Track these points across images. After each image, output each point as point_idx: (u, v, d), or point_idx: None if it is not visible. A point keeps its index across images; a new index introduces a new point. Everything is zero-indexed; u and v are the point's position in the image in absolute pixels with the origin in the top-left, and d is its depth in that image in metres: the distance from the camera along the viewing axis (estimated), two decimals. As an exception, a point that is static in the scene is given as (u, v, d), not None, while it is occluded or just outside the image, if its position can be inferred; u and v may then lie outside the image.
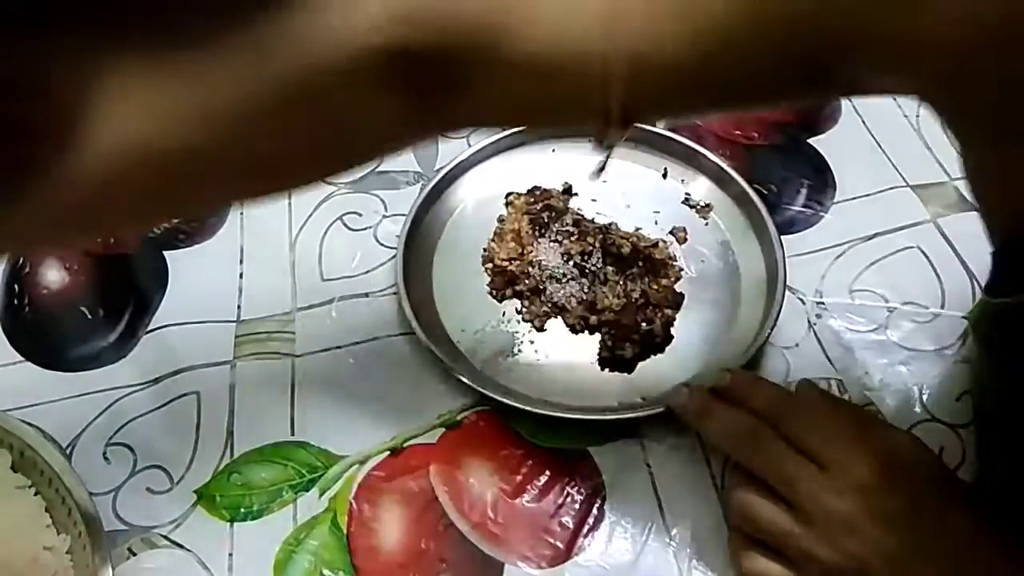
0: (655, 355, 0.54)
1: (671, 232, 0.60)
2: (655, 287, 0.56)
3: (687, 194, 0.62)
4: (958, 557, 0.40)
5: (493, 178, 0.63)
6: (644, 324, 0.55)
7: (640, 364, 0.54)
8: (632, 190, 0.63)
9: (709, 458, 0.51)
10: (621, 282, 0.57)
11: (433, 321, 0.56)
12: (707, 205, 0.61)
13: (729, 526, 0.48)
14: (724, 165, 0.61)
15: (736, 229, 0.60)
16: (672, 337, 0.55)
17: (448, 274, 0.59)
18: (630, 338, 0.54)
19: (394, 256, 0.59)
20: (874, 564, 0.40)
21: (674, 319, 0.56)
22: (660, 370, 0.54)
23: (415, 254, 0.58)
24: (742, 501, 0.44)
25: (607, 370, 0.54)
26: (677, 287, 0.57)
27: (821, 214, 0.61)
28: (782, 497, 0.43)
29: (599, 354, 0.55)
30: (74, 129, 0.19)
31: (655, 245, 0.59)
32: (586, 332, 0.56)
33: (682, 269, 0.58)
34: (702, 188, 0.62)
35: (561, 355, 0.55)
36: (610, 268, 0.57)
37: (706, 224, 0.61)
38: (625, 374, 0.54)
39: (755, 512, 0.43)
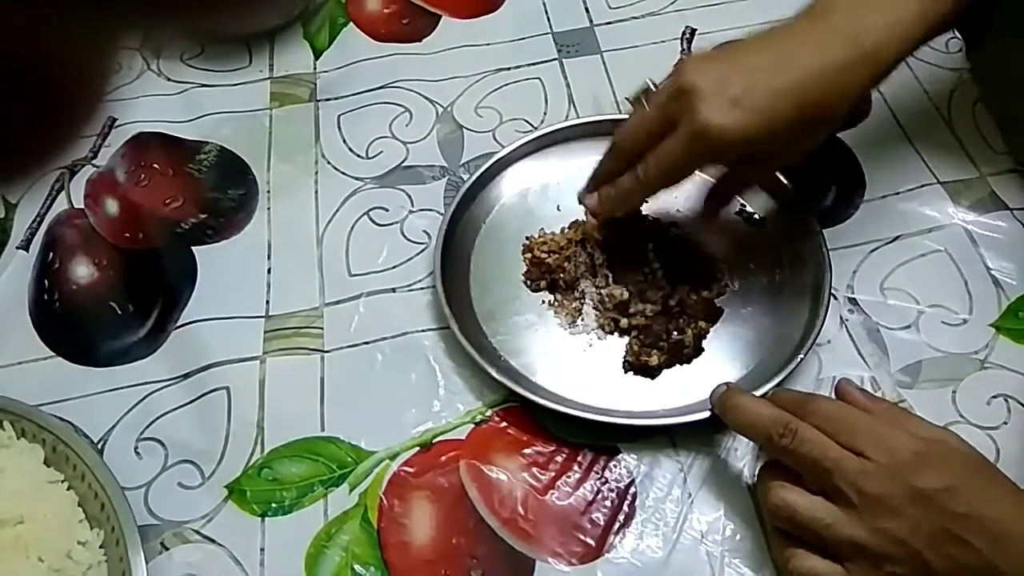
0: (681, 365, 0.53)
1: (720, 241, 0.59)
2: (694, 297, 0.54)
3: (741, 205, 0.60)
4: (997, 535, 0.40)
5: (549, 169, 0.63)
6: (675, 333, 0.53)
7: (665, 373, 0.53)
8: (687, 197, 0.60)
9: (740, 454, 0.50)
10: (660, 288, 0.55)
11: (465, 312, 0.56)
12: (762, 219, 0.60)
13: (765, 525, 0.47)
14: (781, 178, 0.59)
15: (786, 244, 0.58)
16: (703, 350, 0.54)
17: (486, 260, 0.59)
18: (658, 345, 0.53)
19: (420, 251, 0.60)
20: (921, 545, 0.40)
21: (707, 332, 0.54)
22: (684, 381, 0.53)
23: (453, 244, 0.58)
24: (779, 500, 0.43)
25: (631, 374, 0.54)
26: (718, 301, 0.56)
27: (851, 211, 0.61)
28: (819, 490, 0.43)
29: (624, 358, 0.54)
30: (99, 100, 0.19)
31: (702, 255, 0.57)
32: (616, 334, 0.55)
33: (727, 284, 0.57)
34: (758, 200, 0.60)
35: (589, 354, 0.55)
36: (651, 274, 0.56)
37: (758, 238, 0.59)
38: (648, 380, 0.53)
39: (793, 509, 0.43)
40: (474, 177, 0.61)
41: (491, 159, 0.62)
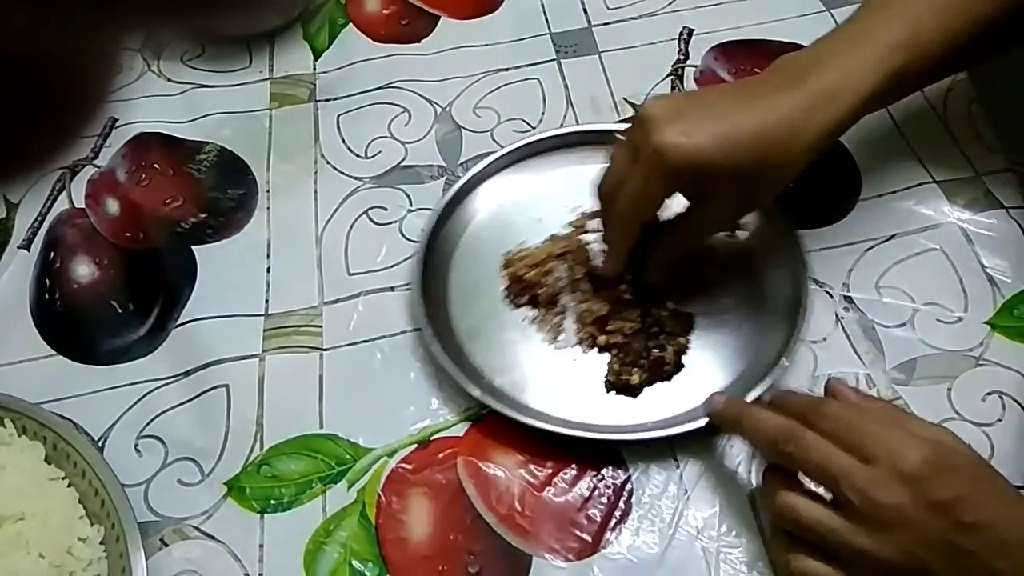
0: (663, 382, 0.53)
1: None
2: (665, 313, 0.54)
3: None
4: (999, 540, 0.40)
5: (530, 182, 0.63)
6: (655, 351, 0.53)
7: (647, 391, 0.53)
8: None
9: (736, 451, 0.51)
10: (635, 306, 0.54)
11: (447, 326, 0.56)
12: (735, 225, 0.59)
13: (760, 521, 0.48)
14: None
15: (761, 248, 0.58)
16: (683, 366, 0.53)
17: (466, 275, 0.59)
18: (638, 363, 0.53)
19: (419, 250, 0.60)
20: (925, 555, 0.40)
21: (687, 348, 0.54)
22: (674, 391, 0.53)
23: (436, 253, 0.58)
24: (784, 504, 0.43)
25: (612, 393, 0.53)
26: (697, 312, 0.55)
27: (847, 210, 0.61)
28: (825, 495, 0.43)
29: (606, 377, 0.53)
30: (102, 101, 0.19)
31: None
32: (595, 351, 0.54)
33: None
34: None
35: (571, 370, 0.54)
36: (631, 289, 0.55)
37: (732, 245, 0.58)
38: (630, 399, 0.53)
39: (799, 513, 0.43)
40: (452, 192, 0.61)
41: (468, 173, 0.62)
